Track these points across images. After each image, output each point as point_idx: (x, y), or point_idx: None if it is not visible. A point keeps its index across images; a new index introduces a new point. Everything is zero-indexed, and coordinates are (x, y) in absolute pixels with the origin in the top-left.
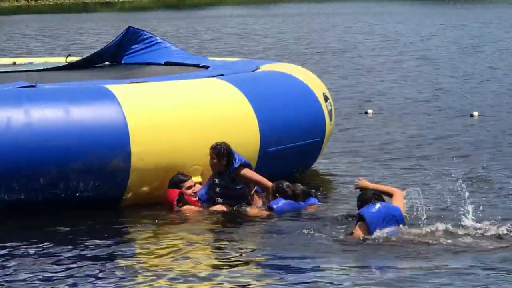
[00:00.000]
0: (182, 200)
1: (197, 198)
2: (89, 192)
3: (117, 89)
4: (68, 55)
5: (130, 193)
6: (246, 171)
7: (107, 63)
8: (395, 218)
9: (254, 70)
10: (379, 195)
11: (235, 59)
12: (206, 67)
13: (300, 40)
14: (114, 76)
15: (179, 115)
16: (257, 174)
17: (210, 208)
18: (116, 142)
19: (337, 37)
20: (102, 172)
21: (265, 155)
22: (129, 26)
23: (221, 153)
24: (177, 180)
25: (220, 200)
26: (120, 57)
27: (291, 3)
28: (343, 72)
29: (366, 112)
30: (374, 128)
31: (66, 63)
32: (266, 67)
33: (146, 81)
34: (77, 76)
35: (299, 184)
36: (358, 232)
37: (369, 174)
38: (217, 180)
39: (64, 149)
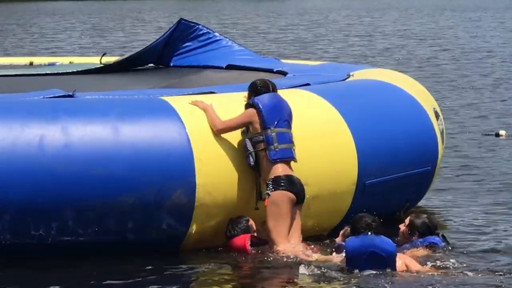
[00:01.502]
0: (255, 243)
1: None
2: (142, 233)
3: (179, 102)
4: (104, 54)
5: (193, 233)
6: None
7: (151, 65)
8: (383, 260)
9: (346, 79)
10: (377, 227)
11: (316, 63)
12: (283, 73)
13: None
14: (166, 84)
15: None
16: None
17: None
18: (177, 171)
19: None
20: (159, 208)
21: (364, 189)
22: (181, 19)
23: (252, 87)
24: (246, 226)
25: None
26: (169, 57)
27: None
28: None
29: (497, 134)
30: (509, 155)
31: (102, 65)
32: (360, 74)
33: (213, 92)
34: (118, 82)
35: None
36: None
37: (491, 221)
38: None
39: (112, 179)
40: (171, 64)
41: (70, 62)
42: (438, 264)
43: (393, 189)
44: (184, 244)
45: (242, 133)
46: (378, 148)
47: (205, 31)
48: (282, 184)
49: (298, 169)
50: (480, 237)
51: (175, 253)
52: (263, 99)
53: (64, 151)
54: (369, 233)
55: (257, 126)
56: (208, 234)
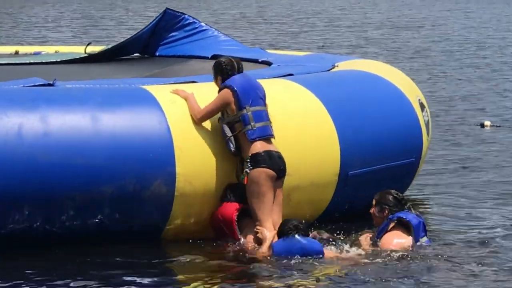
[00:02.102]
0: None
1: None
2: (122, 223)
3: (160, 91)
4: (89, 44)
5: (173, 224)
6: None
7: (136, 54)
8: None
9: (331, 69)
10: (304, 229)
11: (302, 53)
12: (268, 63)
13: (379, 28)
14: (150, 73)
15: None
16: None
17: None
18: (157, 160)
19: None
20: (139, 198)
21: (346, 180)
22: (167, 8)
23: (216, 66)
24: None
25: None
26: (154, 47)
27: None
28: (445, 71)
29: (482, 125)
30: (493, 147)
31: (86, 54)
32: (345, 65)
33: (195, 81)
34: (102, 71)
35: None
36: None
37: (476, 214)
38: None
39: (91, 168)
40: (157, 54)
41: (55, 52)
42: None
43: (376, 180)
44: (165, 234)
45: (219, 120)
46: (361, 138)
47: (191, 21)
48: (260, 160)
49: None
50: (459, 228)
51: (157, 244)
52: (235, 80)
53: (44, 140)
54: (296, 235)
55: (233, 107)
56: (189, 224)
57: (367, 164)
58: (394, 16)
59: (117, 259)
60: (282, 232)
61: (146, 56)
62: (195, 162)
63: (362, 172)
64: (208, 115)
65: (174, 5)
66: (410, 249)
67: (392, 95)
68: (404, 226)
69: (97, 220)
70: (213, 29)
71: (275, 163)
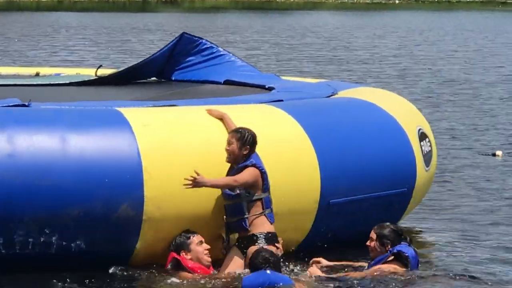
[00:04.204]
0: (179, 267)
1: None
2: (89, 246)
3: (132, 113)
4: (100, 67)
5: (142, 248)
6: (249, 172)
7: (153, 78)
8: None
9: (329, 96)
10: (275, 262)
11: (315, 81)
12: (271, 89)
13: (410, 59)
14: (141, 97)
15: (212, 151)
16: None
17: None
18: (125, 183)
19: (461, 57)
20: (105, 221)
21: (328, 208)
22: (183, 33)
23: (245, 139)
24: (182, 240)
25: (224, 217)
26: (170, 71)
27: (402, 10)
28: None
29: (493, 154)
30: (506, 176)
31: (96, 77)
32: (347, 93)
33: (174, 105)
34: (110, 93)
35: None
36: None
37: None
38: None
39: (58, 190)
40: (173, 78)
41: (76, 73)
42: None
43: (363, 210)
44: (133, 259)
45: (236, 196)
46: (345, 166)
47: (208, 46)
48: (274, 239)
49: None
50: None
51: (125, 269)
52: (260, 161)
53: (9, 161)
54: (268, 269)
55: (259, 188)
56: (159, 249)
57: (352, 192)
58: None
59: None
60: (254, 265)
61: (163, 80)
62: (165, 186)
63: (346, 201)
64: (242, 185)
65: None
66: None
67: (383, 124)
68: (401, 260)
69: (62, 243)
70: (230, 54)
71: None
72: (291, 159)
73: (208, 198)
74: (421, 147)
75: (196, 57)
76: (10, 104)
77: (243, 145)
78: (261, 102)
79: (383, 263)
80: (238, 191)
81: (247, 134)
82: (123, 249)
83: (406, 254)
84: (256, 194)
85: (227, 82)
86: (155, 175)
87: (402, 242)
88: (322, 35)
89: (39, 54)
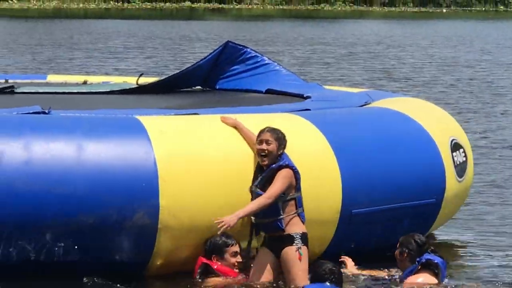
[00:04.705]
0: (210, 271)
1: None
2: (103, 255)
3: (151, 121)
4: (141, 75)
5: (158, 258)
6: (283, 176)
7: (198, 87)
8: None
9: (361, 106)
10: (338, 277)
11: (356, 90)
12: (307, 98)
13: (460, 68)
14: (173, 105)
15: (230, 160)
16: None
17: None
18: (140, 191)
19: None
20: (120, 229)
21: (350, 218)
22: (228, 41)
23: (280, 138)
24: (220, 244)
25: (252, 218)
26: (215, 80)
27: (450, 19)
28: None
29: None
30: None
31: (136, 86)
32: (381, 103)
33: (196, 113)
34: (134, 101)
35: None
36: None
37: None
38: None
39: (73, 198)
40: (217, 87)
41: (123, 81)
42: None
43: (388, 220)
44: (149, 269)
45: (253, 189)
46: (368, 176)
47: (253, 55)
48: (307, 240)
49: None
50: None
51: (141, 279)
52: (291, 160)
53: (25, 169)
54: (328, 282)
55: (293, 188)
56: (176, 259)
57: (375, 203)
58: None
59: None
60: (316, 274)
61: (207, 89)
62: (181, 195)
63: (368, 211)
64: (278, 196)
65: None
66: None
67: (411, 134)
68: (432, 269)
69: (77, 250)
70: (275, 64)
71: None
72: (311, 168)
73: (224, 206)
74: (453, 158)
75: (240, 66)
76: (30, 112)
77: (280, 145)
78: (288, 111)
79: (414, 274)
80: None
81: (281, 133)
82: (139, 258)
83: (435, 262)
84: (290, 194)
85: (269, 91)
86: (171, 183)
87: (426, 253)
88: (371, 44)
89: (88, 62)
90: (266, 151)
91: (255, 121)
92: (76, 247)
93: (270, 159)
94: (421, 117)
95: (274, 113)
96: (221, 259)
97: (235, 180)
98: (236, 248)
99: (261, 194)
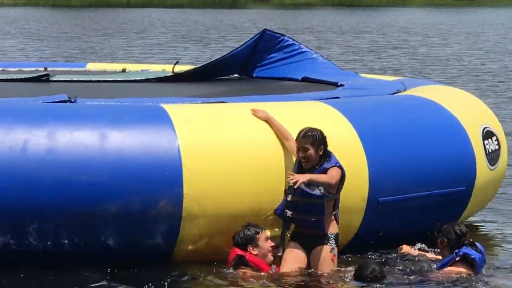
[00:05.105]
0: (243, 263)
1: (270, 258)
2: (128, 243)
3: (176, 109)
4: (176, 63)
5: (182, 245)
6: (337, 172)
7: (236, 75)
8: None
9: (393, 93)
10: (382, 274)
11: (392, 78)
12: (340, 86)
13: (504, 56)
14: (203, 94)
15: (254, 148)
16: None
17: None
18: (164, 179)
19: None
20: (144, 217)
21: (377, 206)
22: (265, 29)
23: (318, 140)
24: (252, 234)
25: (289, 213)
26: (252, 68)
27: (490, 6)
28: None
29: None
30: None
31: (172, 74)
32: (414, 91)
33: (223, 101)
34: (184, 90)
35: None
36: None
37: None
38: (291, 181)
39: (96, 186)
40: (254, 75)
41: (162, 70)
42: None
43: (415, 208)
44: (174, 257)
45: (320, 197)
46: (396, 164)
47: (290, 43)
48: (338, 241)
49: None
50: None
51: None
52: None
53: (49, 157)
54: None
55: (336, 188)
56: (200, 246)
57: (402, 191)
58: None
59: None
60: (361, 277)
61: (244, 77)
62: (204, 183)
63: (396, 199)
64: (336, 184)
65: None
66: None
67: (441, 122)
68: (468, 262)
69: (101, 239)
70: (312, 52)
71: None
72: (337, 156)
73: (247, 195)
74: (484, 146)
75: (278, 54)
76: (56, 100)
77: (318, 146)
78: (317, 99)
79: (450, 265)
80: (321, 192)
81: (316, 134)
82: (163, 247)
83: (473, 257)
84: (332, 194)
85: (305, 79)
86: (195, 172)
87: (464, 245)
88: (414, 32)
89: (131, 50)
90: (306, 158)
91: (281, 109)
92: (99, 235)
93: (311, 163)
94: (452, 105)
95: (302, 101)
96: (257, 247)
97: (259, 169)
98: (266, 234)
99: (307, 191)
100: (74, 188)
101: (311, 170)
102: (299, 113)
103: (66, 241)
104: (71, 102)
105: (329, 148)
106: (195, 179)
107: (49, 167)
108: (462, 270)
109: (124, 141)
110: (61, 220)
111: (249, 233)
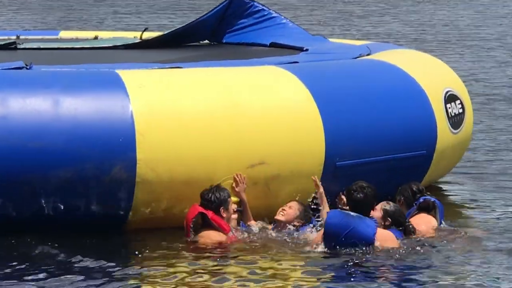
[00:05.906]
0: (205, 222)
1: (234, 221)
2: (81, 210)
3: (130, 75)
4: (145, 30)
5: (137, 211)
6: None
7: (206, 41)
8: (361, 239)
9: (355, 58)
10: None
11: (361, 43)
12: (305, 51)
13: None
14: (158, 59)
15: (209, 114)
16: None
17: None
18: (117, 145)
19: None
20: (98, 183)
21: (335, 171)
22: None
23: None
24: (226, 196)
25: None
26: (221, 34)
27: None
28: None
29: None
30: None
31: (140, 40)
32: (377, 55)
33: (179, 67)
34: (153, 56)
35: None
36: (316, 239)
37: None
38: None
39: (49, 152)
40: (224, 41)
41: (134, 37)
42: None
43: (375, 173)
44: (128, 223)
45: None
46: (352, 128)
47: (259, 8)
48: None
49: (256, 148)
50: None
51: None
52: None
53: (1, 123)
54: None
55: None
56: (156, 213)
57: (360, 155)
58: None
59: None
60: (348, 190)
61: (214, 43)
62: (158, 148)
63: (354, 163)
64: None
65: None
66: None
67: (400, 85)
68: (428, 208)
69: (55, 206)
70: (282, 17)
71: None
72: (294, 121)
73: (201, 160)
74: (446, 109)
75: (247, 20)
76: (11, 67)
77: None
78: (276, 64)
79: (411, 217)
80: None
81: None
82: (117, 212)
83: (432, 200)
84: None
85: (273, 45)
86: (148, 137)
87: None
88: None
89: (117, 19)
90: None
91: (237, 75)
92: (54, 201)
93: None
94: (413, 69)
95: (260, 66)
96: (226, 211)
97: (213, 134)
98: (233, 198)
99: None
100: (27, 154)
101: None
102: (254, 78)
103: (14, 208)
104: (26, 69)
105: (285, 113)
106: (148, 144)
107: (2, 133)
108: (424, 215)
109: (77, 107)
110: (13, 185)
111: (224, 195)
